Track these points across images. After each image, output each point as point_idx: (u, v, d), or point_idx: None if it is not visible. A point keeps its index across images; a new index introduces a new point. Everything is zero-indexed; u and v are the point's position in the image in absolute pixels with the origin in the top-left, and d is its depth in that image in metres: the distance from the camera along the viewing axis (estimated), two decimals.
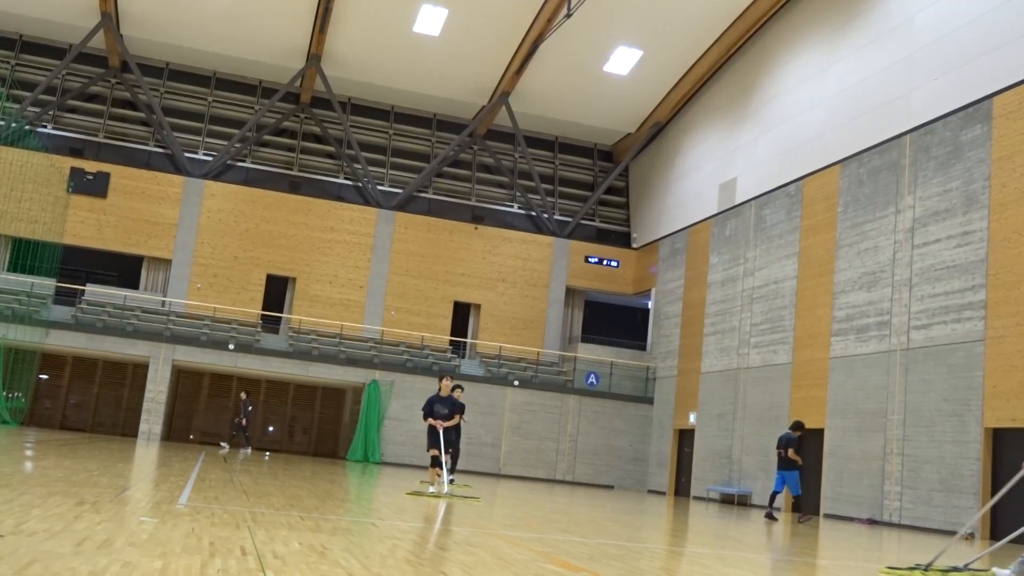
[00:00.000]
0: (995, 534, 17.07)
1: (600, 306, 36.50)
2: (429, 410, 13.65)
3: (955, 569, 8.04)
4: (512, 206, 34.85)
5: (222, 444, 27.59)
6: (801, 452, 17.31)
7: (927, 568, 8.02)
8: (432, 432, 13.55)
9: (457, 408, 14.01)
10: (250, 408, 27.40)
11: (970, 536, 16.85)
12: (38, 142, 29.31)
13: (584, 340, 33.68)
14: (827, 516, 21.03)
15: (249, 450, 27.16)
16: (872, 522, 19.43)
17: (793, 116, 25.40)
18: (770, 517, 16.86)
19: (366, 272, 32.31)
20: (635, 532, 10.43)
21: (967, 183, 18.80)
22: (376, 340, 31.18)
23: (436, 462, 13.49)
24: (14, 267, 28.87)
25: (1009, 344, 17.20)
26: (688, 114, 32.03)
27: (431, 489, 13.43)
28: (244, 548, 5.14)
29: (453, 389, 14.98)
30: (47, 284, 28.68)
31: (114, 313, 28.99)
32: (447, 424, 13.62)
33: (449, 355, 31.47)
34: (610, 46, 30.12)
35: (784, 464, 17.14)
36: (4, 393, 25.54)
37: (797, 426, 17.39)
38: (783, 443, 17.21)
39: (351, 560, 5.11)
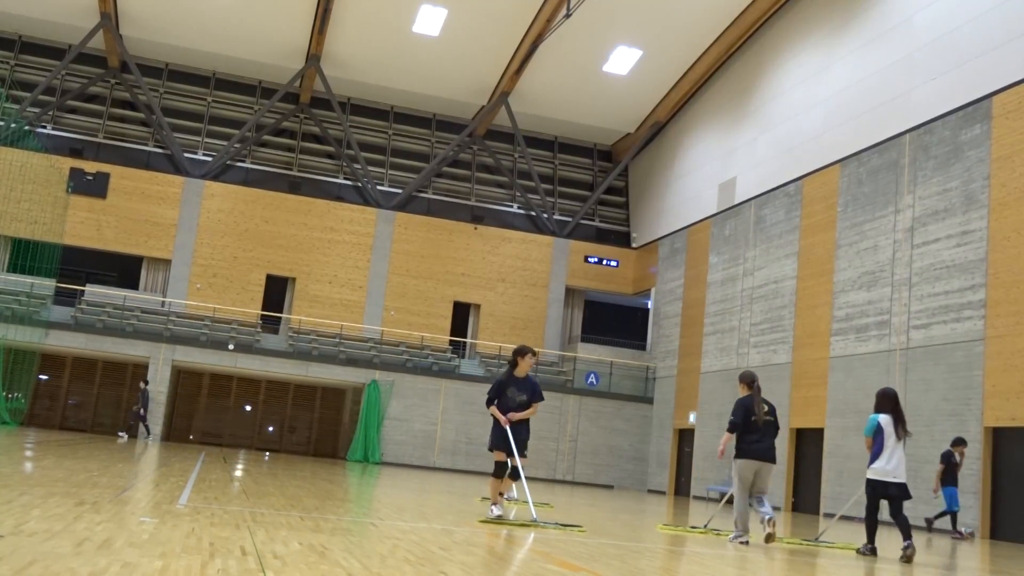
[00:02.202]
0: (995, 533, 17.08)
1: (600, 306, 36.51)
2: (497, 394, 9.66)
3: (712, 529, 10.64)
4: (512, 206, 34.86)
5: (120, 433, 27.16)
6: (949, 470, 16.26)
7: (696, 528, 10.88)
8: (500, 427, 9.52)
9: (537, 395, 9.65)
10: (148, 397, 27.26)
11: (970, 535, 16.85)
12: (38, 142, 29.31)
13: (584, 340, 33.69)
14: (827, 515, 21.03)
15: (150, 436, 26.90)
16: None
17: (793, 116, 25.41)
18: (960, 536, 16.05)
19: (366, 272, 32.32)
20: (635, 532, 10.43)
21: (967, 182, 18.80)
22: (376, 340, 31.19)
23: (503, 470, 9.59)
24: (14, 267, 28.87)
25: (1009, 343, 17.21)
26: (688, 114, 32.04)
27: (510, 514, 9.72)
28: (244, 548, 5.15)
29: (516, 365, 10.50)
30: (47, 284, 28.69)
31: (114, 313, 28.99)
32: (519, 416, 9.49)
33: (449, 355, 31.48)
34: (609, 46, 30.13)
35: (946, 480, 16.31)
36: (4, 394, 25.54)
37: (957, 442, 16.28)
38: (943, 459, 16.35)
39: (351, 560, 5.11)
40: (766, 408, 9.85)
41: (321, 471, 18.51)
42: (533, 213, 34.62)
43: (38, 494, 7.08)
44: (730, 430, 9.86)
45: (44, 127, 31.19)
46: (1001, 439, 17.44)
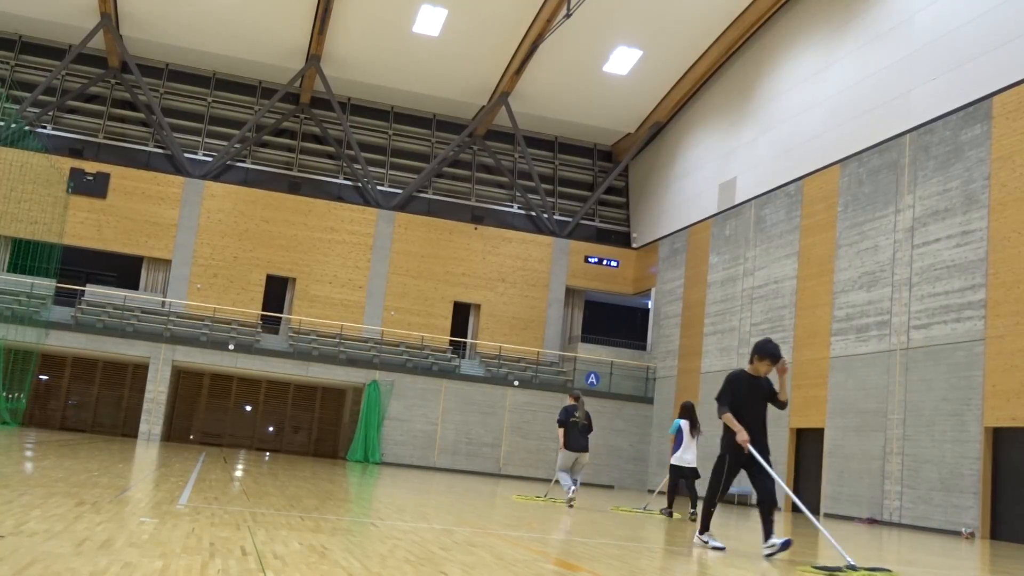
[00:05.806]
0: (995, 533, 17.09)
1: (600, 306, 36.51)
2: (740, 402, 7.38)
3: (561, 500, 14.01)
4: (512, 206, 34.85)
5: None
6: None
7: (540, 497, 14.92)
8: (735, 454, 7.77)
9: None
10: None
11: (971, 535, 16.86)
12: (38, 143, 29.30)
13: (584, 340, 33.68)
14: (827, 516, 21.04)
15: None
16: (872, 521, 19.44)
17: (793, 116, 25.40)
18: None
19: (366, 272, 32.32)
20: (635, 532, 10.42)
21: (967, 182, 18.81)
22: (376, 340, 31.18)
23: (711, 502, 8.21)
24: (14, 268, 28.86)
25: (1009, 343, 17.21)
26: (688, 114, 32.04)
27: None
28: (244, 548, 5.15)
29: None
30: (47, 285, 28.68)
31: (114, 314, 28.99)
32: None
33: (449, 355, 31.47)
34: (610, 46, 30.13)
35: None
36: (4, 394, 25.53)
37: None
38: None
39: (351, 560, 5.11)
40: (585, 414, 13.89)
41: (321, 471, 18.50)
42: (533, 213, 34.62)
43: (38, 494, 7.08)
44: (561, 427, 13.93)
45: (44, 127, 31.19)
46: (1001, 439, 17.44)
